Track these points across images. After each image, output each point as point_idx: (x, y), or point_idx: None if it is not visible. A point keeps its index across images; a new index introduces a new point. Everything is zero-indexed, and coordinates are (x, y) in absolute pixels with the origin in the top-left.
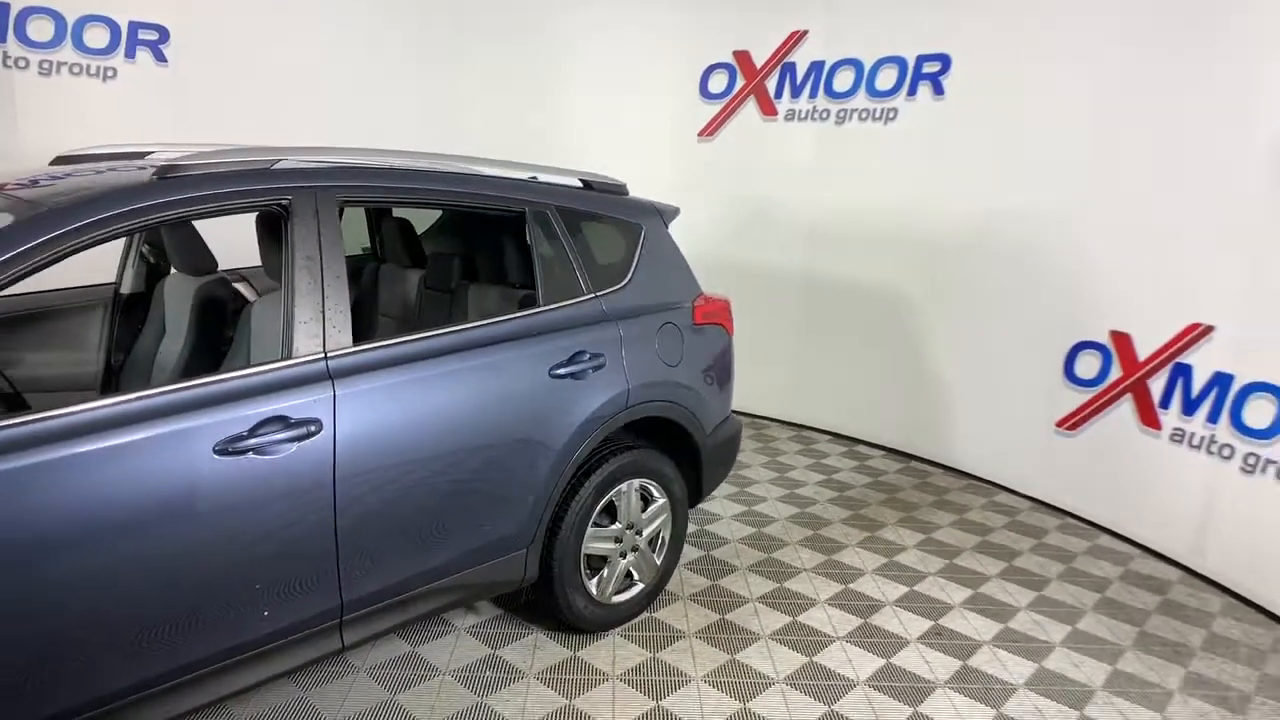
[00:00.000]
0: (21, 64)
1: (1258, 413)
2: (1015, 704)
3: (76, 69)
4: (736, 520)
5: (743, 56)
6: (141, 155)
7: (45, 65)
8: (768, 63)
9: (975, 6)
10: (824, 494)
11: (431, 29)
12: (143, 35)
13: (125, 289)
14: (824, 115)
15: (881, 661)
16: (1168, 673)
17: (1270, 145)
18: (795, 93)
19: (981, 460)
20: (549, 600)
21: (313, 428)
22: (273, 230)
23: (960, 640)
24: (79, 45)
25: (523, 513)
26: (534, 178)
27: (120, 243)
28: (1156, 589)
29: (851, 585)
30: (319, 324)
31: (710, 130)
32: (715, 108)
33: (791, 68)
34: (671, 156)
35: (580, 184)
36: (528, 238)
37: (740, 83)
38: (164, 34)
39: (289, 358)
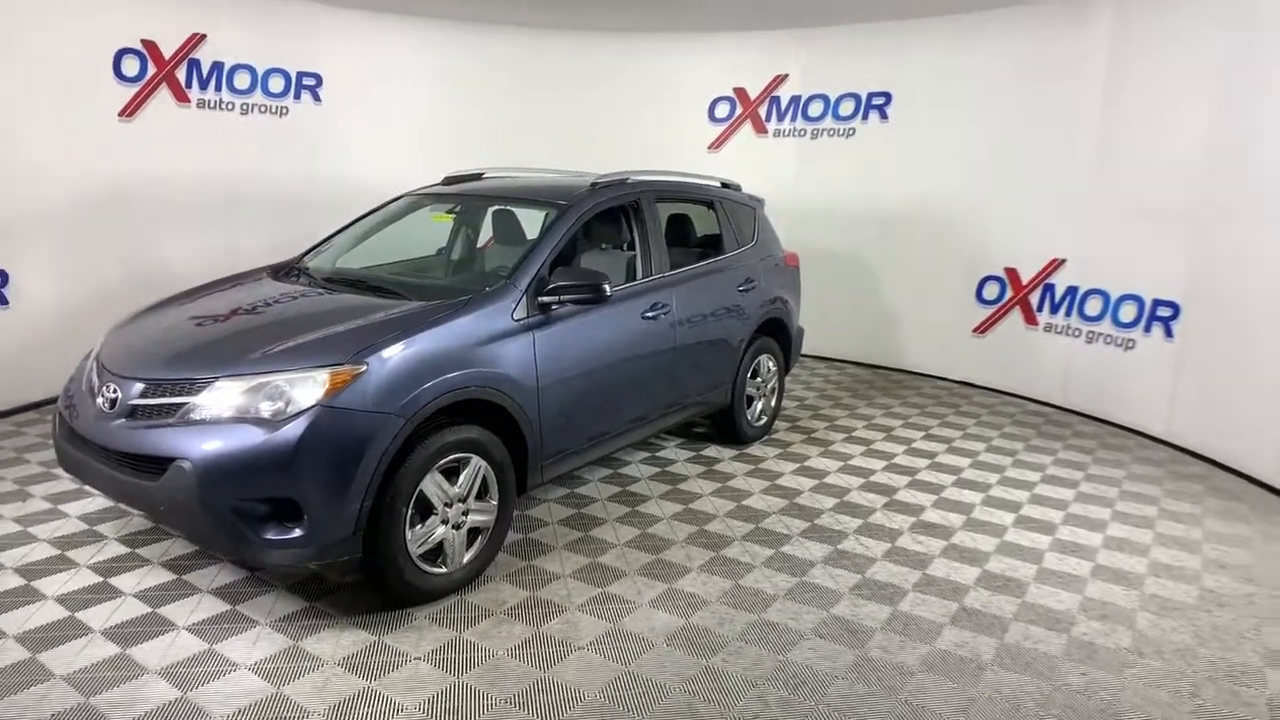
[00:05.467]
0: (229, 107)
1: (1093, 307)
2: (982, 456)
3: (262, 109)
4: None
5: (740, 91)
6: (479, 176)
7: (244, 107)
8: (759, 96)
9: (909, 61)
10: (828, 386)
11: (515, 76)
12: (305, 81)
13: (454, 255)
14: (802, 133)
15: (904, 446)
16: (1055, 444)
17: (1085, 154)
18: (780, 118)
19: (922, 360)
20: (731, 420)
21: (668, 308)
22: (620, 217)
23: (945, 438)
24: (265, 91)
25: (730, 365)
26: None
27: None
28: (1041, 415)
29: (874, 421)
30: (660, 259)
31: (717, 145)
32: (720, 128)
33: (777, 99)
34: (690, 164)
35: (720, 184)
36: (716, 215)
37: (739, 110)
38: (319, 80)
39: (648, 276)
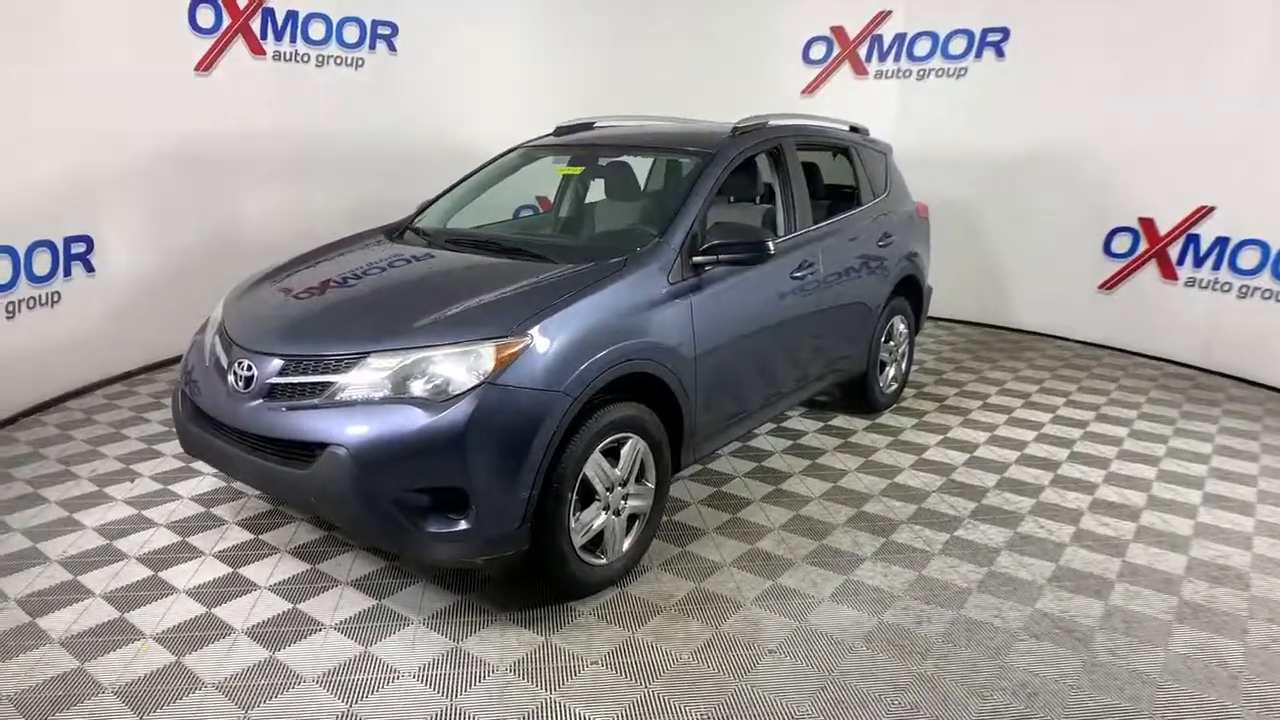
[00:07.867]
0: (304, 59)
1: (1248, 259)
2: (1137, 425)
3: (338, 61)
4: None
5: (839, 30)
6: (590, 126)
7: (320, 59)
8: (859, 35)
9: None
10: (943, 348)
11: (592, 18)
12: (380, 31)
13: (563, 212)
14: (906, 74)
15: (1049, 414)
16: (1213, 410)
17: (1244, 89)
18: (882, 57)
19: (1040, 318)
20: (864, 388)
21: (815, 267)
22: (761, 166)
23: (1089, 405)
24: (340, 41)
25: (868, 328)
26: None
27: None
28: (1186, 378)
29: (1006, 387)
30: (804, 213)
31: (812, 88)
32: (815, 70)
33: (879, 38)
34: (781, 108)
35: (849, 128)
36: (852, 163)
37: (837, 50)
38: (395, 29)
39: (791, 231)
